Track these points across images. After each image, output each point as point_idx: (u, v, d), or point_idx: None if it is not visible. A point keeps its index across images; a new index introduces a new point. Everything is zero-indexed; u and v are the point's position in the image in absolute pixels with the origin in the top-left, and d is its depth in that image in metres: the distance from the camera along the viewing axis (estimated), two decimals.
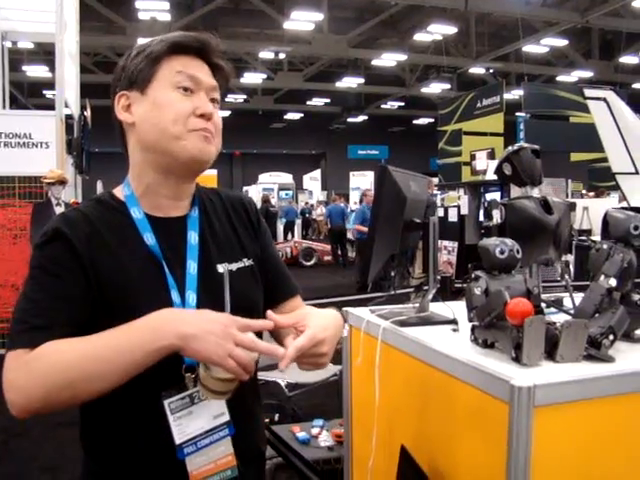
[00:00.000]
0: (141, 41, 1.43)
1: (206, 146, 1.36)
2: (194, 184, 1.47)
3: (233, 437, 1.36)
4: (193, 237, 1.40)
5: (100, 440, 1.36)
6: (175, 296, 1.33)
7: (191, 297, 1.35)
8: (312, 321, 1.31)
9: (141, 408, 1.32)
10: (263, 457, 1.59)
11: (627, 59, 23.78)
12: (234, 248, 1.48)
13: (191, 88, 1.35)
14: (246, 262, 1.48)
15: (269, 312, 1.30)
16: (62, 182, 6.87)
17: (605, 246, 1.62)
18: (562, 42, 22.05)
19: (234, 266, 1.44)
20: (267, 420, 3.91)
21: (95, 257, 1.30)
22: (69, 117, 8.45)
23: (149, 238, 1.35)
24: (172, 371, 1.30)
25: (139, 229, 1.36)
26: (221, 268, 1.41)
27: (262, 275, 1.53)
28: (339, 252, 16.76)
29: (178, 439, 1.30)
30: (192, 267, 1.37)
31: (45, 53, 20.48)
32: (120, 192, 1.42)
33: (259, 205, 17.17)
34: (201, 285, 1.37)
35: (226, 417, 1.35)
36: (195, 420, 1.32)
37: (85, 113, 8.93)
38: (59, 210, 6.62)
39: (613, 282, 1.56)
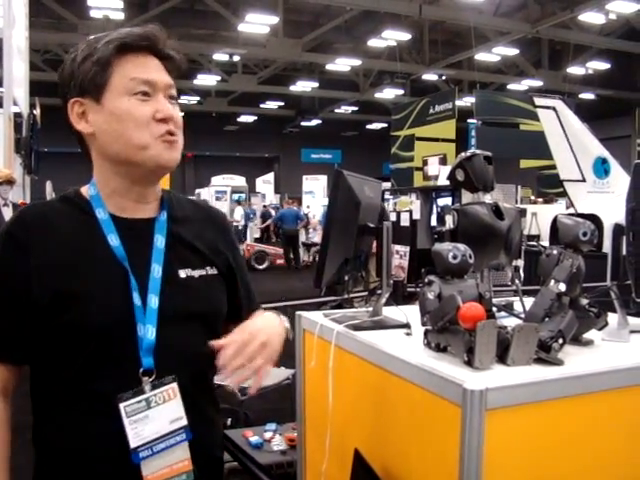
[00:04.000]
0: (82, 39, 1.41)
1: (171, 153, 1.36)
2: (159, 186, 1.47)
3: (190, 442, 1.35)
4: (160, 241, 1.40)
5: (52, 441, 1.34)
6: (136, 298, 1.32)
7: (153, 300, 1.34)
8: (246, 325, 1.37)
9: (96, 410, 1.31)
10: (220, 463, 1.59)
11: (574, 69, 24.38)
12: (199, 255, 1.47)
13: (148, 92, 1.33)
14: (210, 270, 1.47)
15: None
16: (10, 182, 6.71)
17: (555, 252, 1.66)
18: (513, 51, 22.47)
19: (196, 272, 1.44)
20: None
21: (46, 258, 1.29)
22: (18, 115, 8.29)
23: (113, 239, 1.34)
24: (129, 374, 1.31)
25: (103, 229, 1.34)
26: (183, 273, 1.42)
27: (231, 289, 1.55)
28: (291, 256, 16.76)
29: (133, 443, 1.29)
30: (156, 270, 1.36)
31: None
32: (86, 191, 1.41)
33: None
34: (164, 289, 1.36)
35: (183, 421, 1.35)
36: (151, 424, 1.31)
37: (34, 112, 8.75)
38: (6, 211, 6.46)
39: (562, 287, 1.59)
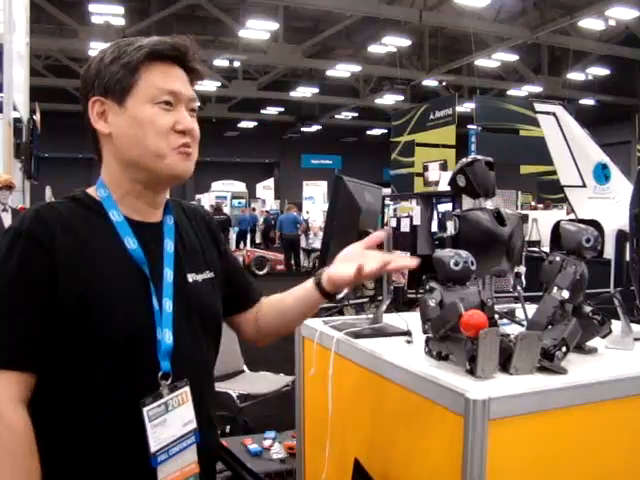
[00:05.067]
0: (96, 45, 1.41)
1: (187, 164, 1.38)
2: (166, 193, 1.48)
3: (197, 445, 1.36)
4: (169, 245, 1.41)
5: (67, 450, 1.30)
6: (155, 302, 1.33)
7: (167, 304, 1.35)
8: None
9: (117, 415, 1.29)
10: (215, 462, 1.60)
11: (574, 75, 24.41)
12: (199, 259, 1.49)
13: (171, 102, 1.35)
14: (208, 274, 1.49)
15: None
16: (9, 187, 6.68)
17: (558, 258, 1.64)
18: (513, 57, 22.49)
19: (200, 277, 1.46)
20: (218, 432, 3.84)
21: (71, 260, 1.27)
22: (18, 120, 8.28)
23: (130, 242, 1.34)
24: (147, 379, 1.31)
25: (119, 232, 1.34)
26: (190, 278, 1.43)
27: (226, 286, 1.57)
28: (292, 261, 16.77)
29: (153, 447, 1.29)
30: (169, 275, 1.37)
31: None
32: (95, 193, 1.40)
33: None
34: (175, 293, 1.37)
35: (194, 424, 1.36)
36: (168, 428, 1.32)
37: (34, 117, 8.76)
38: (5, 216, 6.44)
39: (566, 294, 1.57)
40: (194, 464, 1.36)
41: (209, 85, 25.85)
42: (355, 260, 1.41)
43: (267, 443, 3.03)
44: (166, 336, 1.32)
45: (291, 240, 16.92)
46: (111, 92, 1.34)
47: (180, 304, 1.37)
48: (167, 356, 1.32)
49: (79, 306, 1.25)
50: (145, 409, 1.29)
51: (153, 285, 1.33)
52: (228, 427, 4.28)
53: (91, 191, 1.40)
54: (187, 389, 1.36)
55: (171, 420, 1.32)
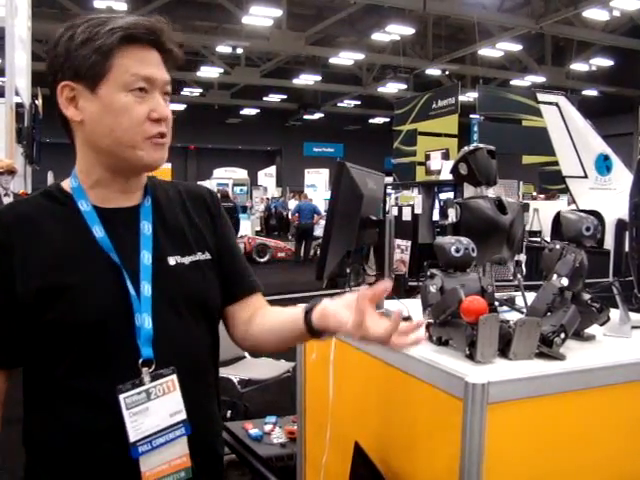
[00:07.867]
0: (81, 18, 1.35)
1: (161, 154, 1.33)
2: (144, 175, 1.42)
3: (189, 437, 1.30)
4: (146, 227, 1.36)
5: (47, 440, 1.30)
6: (130, 287, 1.28)
7: (146, 288, 1.30)
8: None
9: (93, 404, 1.27)
10: (220, 460, 1.52)
11: (578, 66, 24.35)
12: (188, 241, 1.42)
13: (146, 88, 1.30)
14: (201, 256, 1.42)
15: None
16: (11, 172, 6.67)
17: (558, 246, 1.65)
18: (516, 47, 22.42)
19: (187, 259, 1.39)
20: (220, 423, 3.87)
21: (29, 255, 1.26)
22: (19, 105, 8.26)
23: (98, 230, 1.30)
24: (127, 366, 1.27)
25: (87, 221, 1.31)
26: (172, 260, 1.37)
27: (220, 268, 1.48)
28: (302, 249, 16.63)
29: (132, 436, 1.24)
30: (146, 257, 1.33)
31: None
32: (67, 184, 1.38)
33: None
34: (155, 277, 1.32)
35: (182, 415, 1.30)
36: (151, 417, 1.26)
37: (36, 102, 8.74)
38: (7, 201, 6.45)
39: (565, 281, 1.59)
40: (185, 457, 1.29)
41: (212, 71, 25.80)
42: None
43: (268, 428, 3.05)
44: (145, 321, 1.28)
45: (306, 229, 16.69)
46: (82, 77, 1.28)
47: (161, 288, 1.32)
48: (148, 342, 1.28)
49: (38, 299, 1.24)
50: (122, 396, 1.25)
51: (126, 270, 1.29)
52: (229, 412, 4.31)
53: (65, 183, 1.38)
54: (174, 377, 1.30)
55: (154, 409, 1.27)
